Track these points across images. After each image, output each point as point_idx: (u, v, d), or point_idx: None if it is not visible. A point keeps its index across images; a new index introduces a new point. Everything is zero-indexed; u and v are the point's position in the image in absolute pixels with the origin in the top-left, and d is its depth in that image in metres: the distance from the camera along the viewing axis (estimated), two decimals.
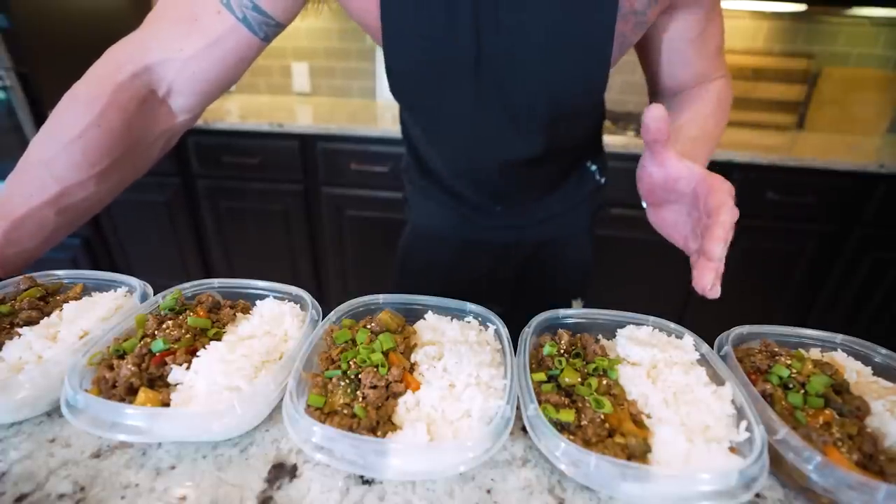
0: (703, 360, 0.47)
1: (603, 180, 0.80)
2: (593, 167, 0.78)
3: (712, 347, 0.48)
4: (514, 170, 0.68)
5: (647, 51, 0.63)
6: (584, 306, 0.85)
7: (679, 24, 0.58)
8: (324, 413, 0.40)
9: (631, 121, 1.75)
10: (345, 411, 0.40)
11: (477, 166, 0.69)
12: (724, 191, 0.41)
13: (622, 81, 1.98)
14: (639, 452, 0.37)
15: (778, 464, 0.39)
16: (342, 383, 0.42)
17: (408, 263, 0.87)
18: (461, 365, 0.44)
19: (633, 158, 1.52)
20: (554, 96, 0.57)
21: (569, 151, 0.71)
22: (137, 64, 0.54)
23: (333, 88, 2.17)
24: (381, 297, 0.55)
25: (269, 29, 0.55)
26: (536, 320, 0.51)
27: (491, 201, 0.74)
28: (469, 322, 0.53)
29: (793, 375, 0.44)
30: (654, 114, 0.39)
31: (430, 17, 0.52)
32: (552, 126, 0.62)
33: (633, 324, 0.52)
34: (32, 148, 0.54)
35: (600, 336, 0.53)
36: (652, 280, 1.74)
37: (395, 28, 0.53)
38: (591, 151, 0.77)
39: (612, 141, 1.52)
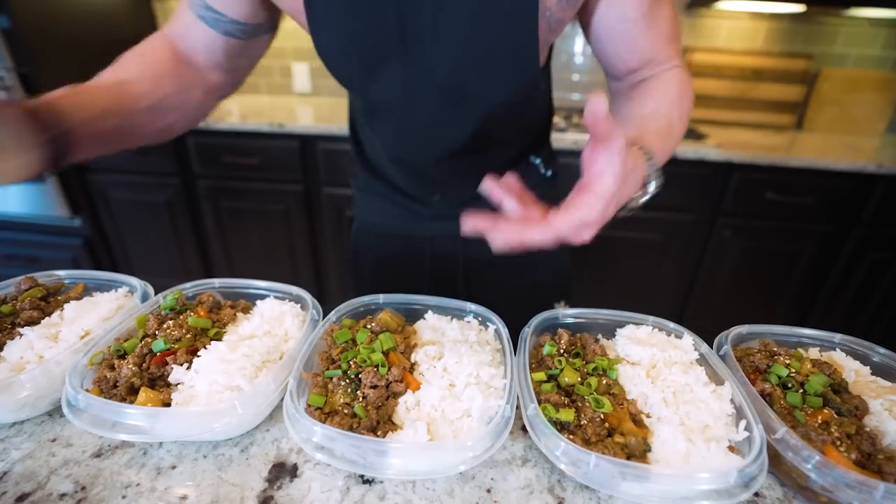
0: (702, 360, 0.47)
1: (549, 173, 0.79)
2: (537, 160, 0.77)
3: (711, 347, 0.49)
4: (449, 158, 0.67)
5: (592, 35, 0.61)
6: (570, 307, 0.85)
7: (617, 3, 0.56)
8: (324, 413, 0.40)
9: None
10: (345, 411, 0.40)
11: (413, 152, 0.68)
12: (595, 207, 0.37)
13: None
14: (638, 452, 0.38)
15: (777, 463, 0.39)
16: (342, 383, 0.42)
17: (359, 261, 0.87)
18: (461, 365, 0.44)
19: None
20: (484, 78, 0.56)
21: (509, 143, 0.70)
22: (167, 36, 0.62)
23: (334, 89, 2.17)
24: (381, 297, 0.55)
25: (227, 25, 0.59)
26: (536, 320, 0.52)
27: (428, 191, 0.74)
28: (469, 322, 0.53)
29: (791, 375, 0.44)
30: (592, 108, 0.33)
31: None
32: (487, 112, 0.60)
33: (633, 323, 0.53)
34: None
35: (600, 336, 0.53)
36: (651, 280, 1.74)
37: (317, 7, 0.53)
38: (535, 146, 0.76)
39: None
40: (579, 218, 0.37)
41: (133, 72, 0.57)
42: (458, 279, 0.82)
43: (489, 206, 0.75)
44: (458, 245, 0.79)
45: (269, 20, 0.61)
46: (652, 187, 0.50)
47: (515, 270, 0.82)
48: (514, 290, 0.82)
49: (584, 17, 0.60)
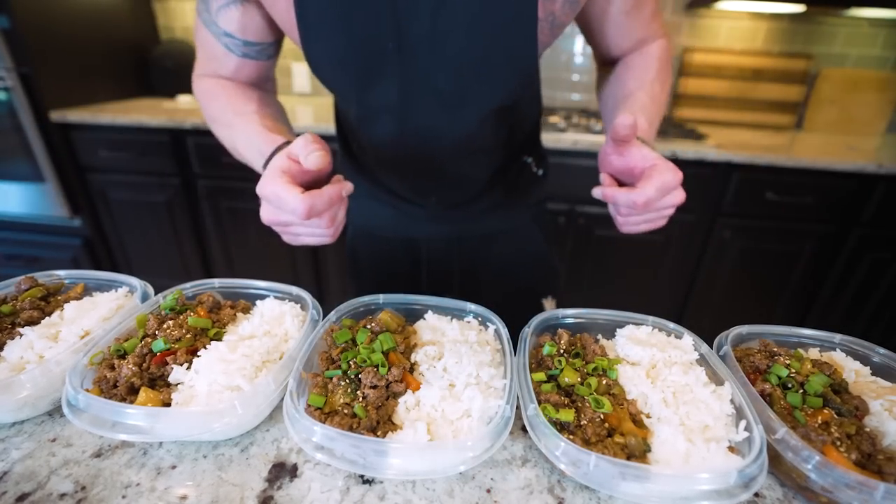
0: (702, 360, 0.47)
1: (541, 172, 0.80)
2: (529, 159, 0.78)
3: (711, 347, 0.49)
4: (446, 161, 0.67)
5: (588, 27, 0.66)
6: (558, 305, 0.85)
7: (616, 1, 0.59)
8: (324, 413, 0.40)
9: None
10: (345, 411, 0.40)
11: (409, 156, 0.68)
12: (668, 170, 0.46)
13: None
14: (638, 452, 0.38)
15: (777, 463, 0.39)
16: (342, 383, 0.42)
17: (357, 265, 0.87)
18: (461, 365, 0.44)
19: None
20: (483, 81, 0.56)
21: (504, 144, 0.70)
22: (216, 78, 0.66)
23: None
24: (381, 297, 0.55)
25: (269, 49, 0.64)
26: (536, 320, 0.52)
27: (424, 194, 0.73)
28: (469, 322, 0.53)
29: (792, 375, 0.44)
30: (626, 122, 0.45)
31: (345, 3, 0.52)
32: (485, 115, 0.61)
33: (633, 324, 0.53)
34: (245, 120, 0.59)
35: (600, 336, 0.53)
36: (651, 280, 1.74)
37: (310, 18, 0.53)
38: (528, 145, 0.76)
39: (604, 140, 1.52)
40: (663, 182, 0.45)
41: (239, 100, 0.61)
42: (454, 279, 0.82)
43: (483, 208, 0.76)
44: (454, 246, 0.79)
45: (280, 35, 0.66)
46: None
47: (508, 270, 0.82)
48: (507, 288, 0.82)
49: (582, 15, 0.62)
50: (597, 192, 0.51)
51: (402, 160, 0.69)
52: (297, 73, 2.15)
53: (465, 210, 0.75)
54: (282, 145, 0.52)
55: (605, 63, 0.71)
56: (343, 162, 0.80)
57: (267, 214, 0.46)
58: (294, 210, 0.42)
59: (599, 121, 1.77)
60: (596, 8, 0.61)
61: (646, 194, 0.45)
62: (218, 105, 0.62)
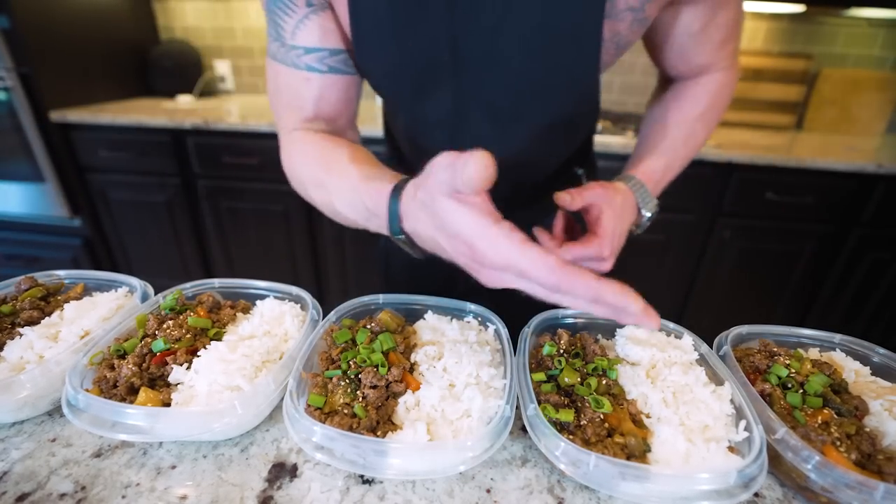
0: (702, 360, 0.47)
1: None
2: (580, 171, 0.76)
3: (711, 347, 0.49)
4: (498, 176, 0.66)
5: (651, 44, 0.63)
6: None
7: (683, 17, 0.56)
8: (324, 413, 0.40)
9: (630, 121, 1.75)
10: (345, 411, 0.40)
11: None
12: (594, 246, 0.50)
13: (622, 81, 1.99)
14: (638, 452, 0.38)
15: (777, 463, 0.39)
16: (342, 383, 0.42)
17: (390, 269, 0.85)
18: (461, 365, 0.44)
19: None
20: (540, 100, 0.55)
21: (557, 156, 0.69)
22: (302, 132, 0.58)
23: None
24: (381, 297, 0.55)
25: (348, 58, 0.57)
26: (536, 320, 0.52)
27: None
28: (469, 322, 0.53)
29: (791, 375, 0.44)
30: (560, 200, 0.51)
31: (401, 16, 0.50)
32: (541, 132, 0.60)
33: (633, 324, 0.52)
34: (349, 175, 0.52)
35: (600, 336, 0.53)
36: (651, 280, 1.74)
37: (364, 26, 0.52)
38: (580, 156, 0.75)
39: (612, 141, 1.52)
40: (585, 253, 0.49)
41: (328, 153, 0.55)
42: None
43: (528, 217, 0.74)
44: None
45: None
46: (646, 211, 0.59)
47: None
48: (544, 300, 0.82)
49: (649, 27, 0.59)
50: (536, 230, 0.54)
51: None
52: None
53: (509, 218, 0.75)
54: (396, 187, 0.43)
55: (664, 81, 0.69)
56: (389, 164, 0.80)
57: (502, 282, 0.36)
58: (542, 281, 0.33)
59: (604, 122, 1.77)
60: (661, 24, 0.58)
61: (563, 259, 0.50)
62: (307, 165, 0.55)
